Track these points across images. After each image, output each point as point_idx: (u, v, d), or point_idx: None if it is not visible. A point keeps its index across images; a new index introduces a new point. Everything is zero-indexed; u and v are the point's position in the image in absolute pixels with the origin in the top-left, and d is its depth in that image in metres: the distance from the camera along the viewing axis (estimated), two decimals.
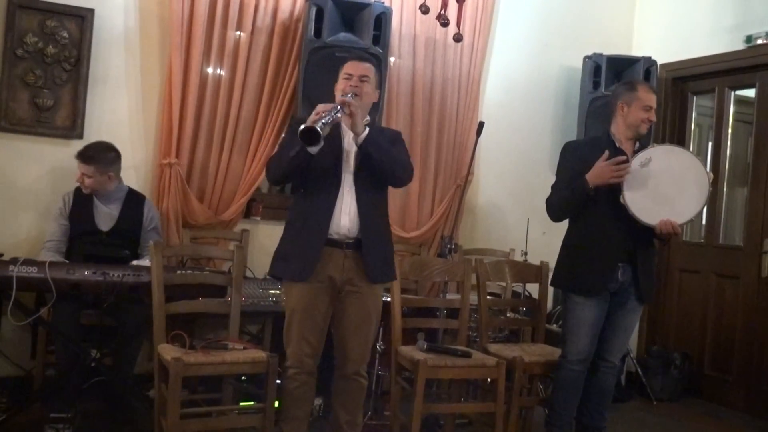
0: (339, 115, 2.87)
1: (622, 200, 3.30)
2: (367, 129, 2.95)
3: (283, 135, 3.37)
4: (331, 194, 2.99)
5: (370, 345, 3.16)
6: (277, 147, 3.34)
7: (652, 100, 3.42)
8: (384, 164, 2.99)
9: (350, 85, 3.04)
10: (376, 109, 4.29)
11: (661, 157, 3.34)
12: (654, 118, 3.43)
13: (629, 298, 3.45)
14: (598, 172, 3.29)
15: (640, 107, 3.39)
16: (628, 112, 3.41)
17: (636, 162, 3.32)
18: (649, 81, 4.99)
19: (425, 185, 4.91)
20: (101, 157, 3.74)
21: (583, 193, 3.34)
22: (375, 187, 3.06)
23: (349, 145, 3.02)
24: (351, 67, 3.10)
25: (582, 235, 3.47)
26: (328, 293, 3.03)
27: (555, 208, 3.50)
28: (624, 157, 3.31)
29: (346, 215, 2.99)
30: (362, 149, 2.95)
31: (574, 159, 3.47)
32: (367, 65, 3.14)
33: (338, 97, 3.05)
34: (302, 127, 2.75)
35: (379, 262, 3.06)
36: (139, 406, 3.54)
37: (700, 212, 3.42)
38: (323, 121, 2.78)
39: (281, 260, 3.08)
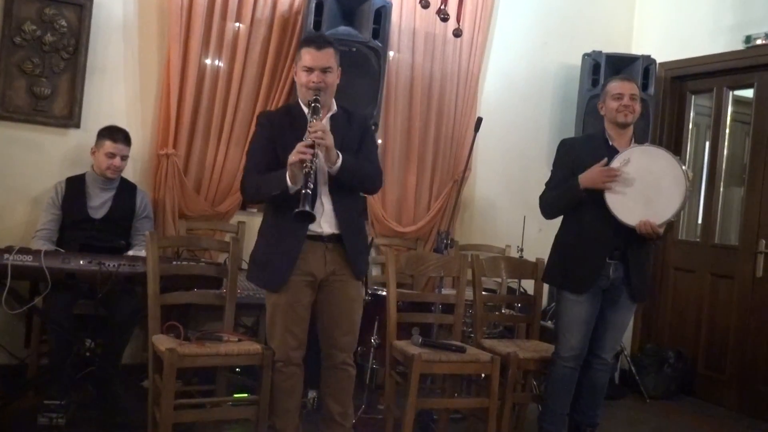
0: (317, 158, 2.78)
1: (604, 201, 3.34)
2: (340, 159, 2.86)
3: (251, 140, 3.18)
4: None
5: (357, 333, 3.14)
6: (246, 156, 3.14)
7: (621, 87, 3.43)
8: (356, 185, 3.04)
9: (313, 81, 2.92)
10: (374, 103, 4.32)
11: (640, 158, 3.35)
12: (629, 103, 3.39)
13: (621, 296, 3.46)
14: (590, 176, 3.34)
15: (610, 98, 3.43)
16: (604, 107, 3.47)
17: (616, 163, 3.34)
18: (647, 79, 5.01)
19: (422, 180, 4.91)
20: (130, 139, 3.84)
21: (574, 194, 3.38)
22: (350, 190, 3.05)
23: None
24: (309, 58, 2.93)
25: (572, 233, 3.49)
26: (310, 286, 3.01)
27: (546, 206, 3.54)
28: (616, 167, 3.32)
29: (326, 222, 2.97)
30: (336, 178, 2.92)
31: (567, 157, 3.52)
32: (327, 51, 2.95)
33: (302, 91, 2.97)
34: (297, 212, 2.66)
35: (359, 255, 3.09)
36: (125, 395, 3.54)
37: (679, 212, 3.39)
38: (310, 186, 2.68)
39: (257, 266, 3.05)
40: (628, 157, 3.34)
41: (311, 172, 2.72)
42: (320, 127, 2.79)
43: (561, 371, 3.48)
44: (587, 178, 3.34)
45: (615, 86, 3.44)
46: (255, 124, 3.27)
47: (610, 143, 3.44)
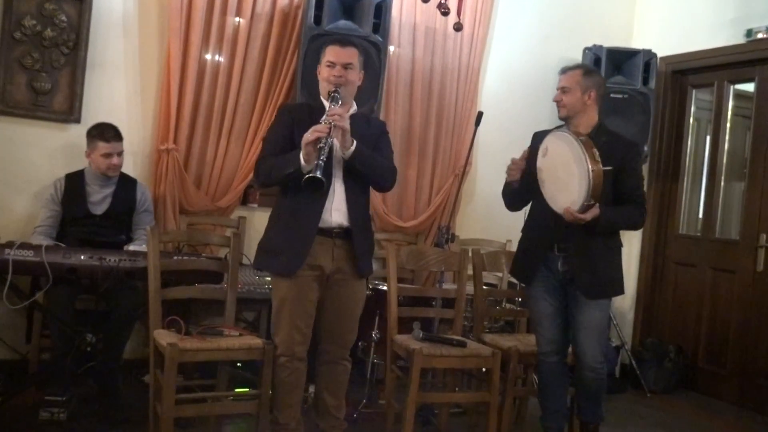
0: (333, 139, 2.85)
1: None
2: (354, 144, 2.92)
3: (270, 128, 3.26)
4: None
5: (357, 330, 3.21)
6: (263, 142, 3.20)
7: (559, 80, 3.40)
8: (368, 176, 3.05)
9: (334, 75, 2.99)
10: (374, 98, 4.31)
11: (554, 144, 3.25)
12: (558, 97, 3.36)
13: (577, 293, 3.30)
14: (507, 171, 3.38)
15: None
16: None
17: (540, 154, 3.29)
18: (648, 73, 4.99)
19: (423, 175, 4.90)
20: (121, 133, 3.81)
21: (506, 185, 3.45)
22: (363, 182, 3.09)
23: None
24: (333, 54, 3.02)
25: (525, 225, 3.55)
26: (317, 281, 3.04)
27: (503, 197, 3.56)
28: (539, 157, 3.29)
29: (337, 210, 3.01)
30: (349, 163, 2.96)
31: (531, 149, 3.45)
32: (350, 50, 3.05)
33: (323, 86, 3.04)
34: (307, 177, 2.74)
35: (365, 254, 3.12)
36: (126, 390, 3.54)
37: (591, 193, 3.04)
38: (322, 158, 2.76)
39: (268, 253, 3.07)
40: (546, 145, 3.27)
41: (325, 147, 2.78)
42: (338, 111, 2.86)
43: (544, 367, 3.44)
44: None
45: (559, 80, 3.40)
46: (275, 116, 3.34)
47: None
